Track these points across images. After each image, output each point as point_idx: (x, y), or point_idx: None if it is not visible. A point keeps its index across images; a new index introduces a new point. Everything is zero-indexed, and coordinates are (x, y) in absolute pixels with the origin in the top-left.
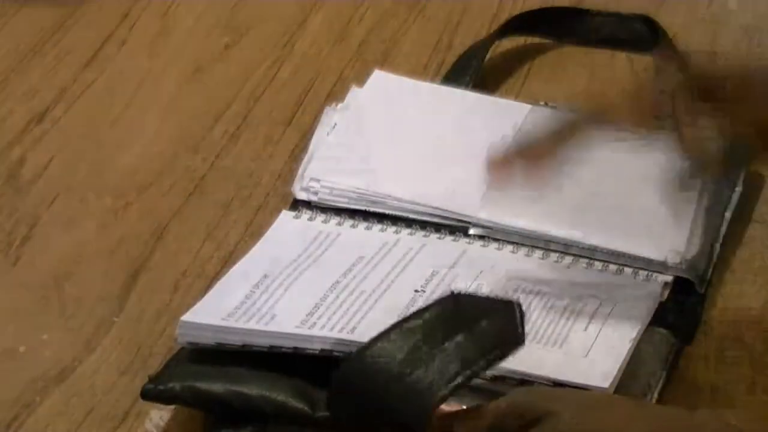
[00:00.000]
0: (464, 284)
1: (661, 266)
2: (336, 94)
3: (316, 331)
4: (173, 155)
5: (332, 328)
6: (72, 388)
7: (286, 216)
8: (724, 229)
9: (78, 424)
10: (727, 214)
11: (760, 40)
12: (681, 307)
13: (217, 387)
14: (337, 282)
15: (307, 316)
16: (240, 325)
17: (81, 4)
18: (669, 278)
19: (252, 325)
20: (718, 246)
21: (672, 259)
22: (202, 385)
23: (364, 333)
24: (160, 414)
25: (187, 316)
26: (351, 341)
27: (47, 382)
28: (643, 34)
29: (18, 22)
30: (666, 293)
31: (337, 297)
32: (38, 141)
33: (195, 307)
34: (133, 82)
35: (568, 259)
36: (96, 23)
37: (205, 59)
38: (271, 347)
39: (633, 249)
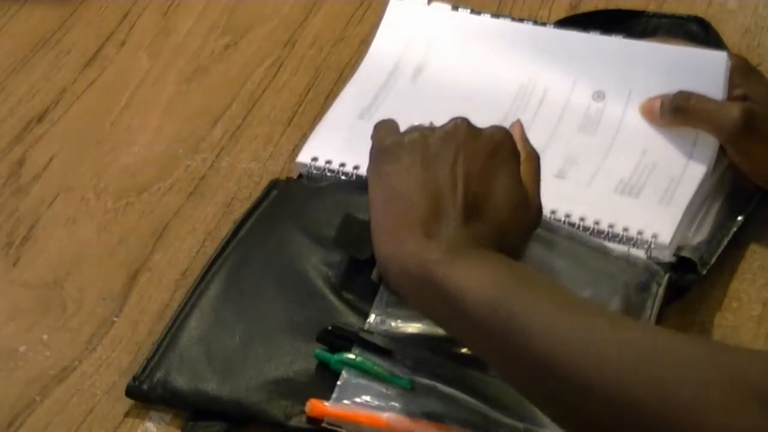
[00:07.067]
0: None
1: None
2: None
3: None
4: (173, 155)
5: None
6: (72, 388)
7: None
8: (734, 229)
9: (78, 424)
10: (740, 218)
11: (760, 40)
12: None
13: (193, 390)
14: None
15: None
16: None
17: (81, 4)
18: (672, 258)
19: None
20: (725, 240)
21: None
22: (185, 387)
23: None
24: (160, 414)
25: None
26: None
27: (47, 382)
28: (698, 35)
29: (18, 22)
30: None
31: None
32: (38, 141)
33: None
34: (133, 82)
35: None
36: (96, 23)
37: (205, 59)
38: None
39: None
